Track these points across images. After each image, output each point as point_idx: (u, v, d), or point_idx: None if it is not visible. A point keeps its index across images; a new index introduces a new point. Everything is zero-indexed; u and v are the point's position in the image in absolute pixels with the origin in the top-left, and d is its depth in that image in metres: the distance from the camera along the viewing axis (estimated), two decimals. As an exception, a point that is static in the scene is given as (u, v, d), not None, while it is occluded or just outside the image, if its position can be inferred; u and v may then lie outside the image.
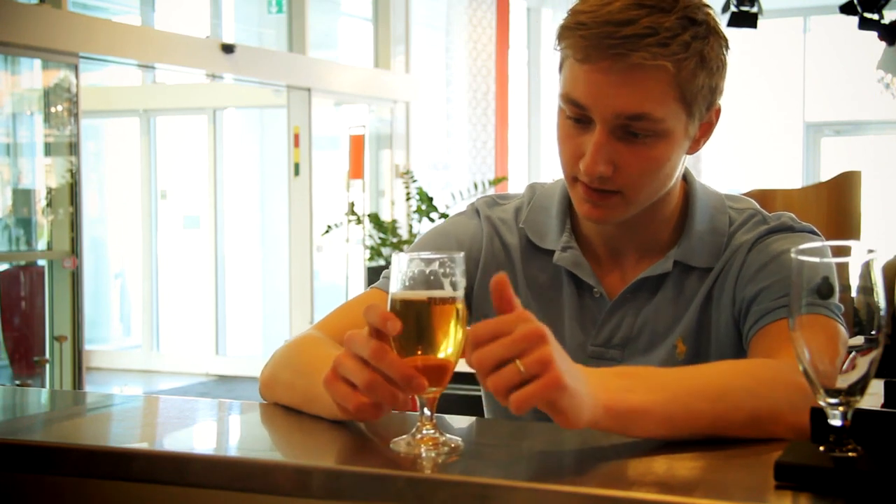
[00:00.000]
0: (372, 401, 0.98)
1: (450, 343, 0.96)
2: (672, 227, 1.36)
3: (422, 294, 0.96)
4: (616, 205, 1.26)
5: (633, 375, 1.04)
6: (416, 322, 0.96)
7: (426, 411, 0.97)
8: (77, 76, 5.81)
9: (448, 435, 0.98)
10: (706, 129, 1.31)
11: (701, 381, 1.04)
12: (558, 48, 1.25)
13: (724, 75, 1.27)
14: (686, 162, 1.42)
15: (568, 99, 1.24)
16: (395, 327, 0.95)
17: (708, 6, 1.25)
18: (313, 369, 1.15)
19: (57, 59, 5.72)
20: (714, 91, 1.26)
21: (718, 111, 1.31)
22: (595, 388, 0.96)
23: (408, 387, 0.95)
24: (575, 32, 1.20)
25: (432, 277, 0.97)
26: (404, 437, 0.98)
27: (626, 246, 1.36)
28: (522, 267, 1.40)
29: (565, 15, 1.24)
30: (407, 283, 0.97)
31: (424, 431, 0.97)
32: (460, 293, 0.97)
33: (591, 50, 1.19)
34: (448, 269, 0.97)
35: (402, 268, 0.98)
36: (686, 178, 1.39)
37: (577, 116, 1.24)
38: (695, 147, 1.31)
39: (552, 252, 1.38)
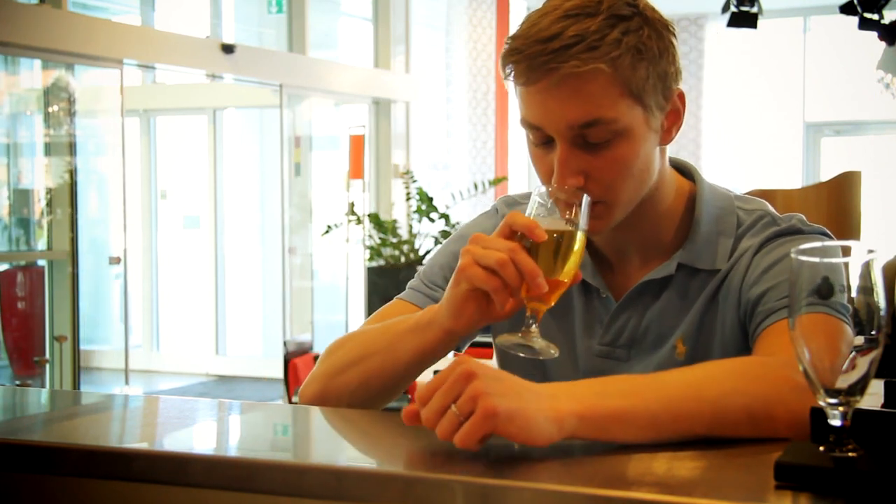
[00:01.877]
0: (501, 285, 1.11)
1: (566, 267, 1.15)
2: (676, 228, 1.36)
3: (552, 223, 1.15)
4: (602, 213, 1.26)
5: (609, 382, 1.04)
6: (543, 245, 1.13)
7: (533, 326, 1.15)
8: (122, 80, 6.01)
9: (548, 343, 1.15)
10: (675, 118, 1.30)
11: (687, 381, 1.04)
12: (506, 78, 1.26)
13: (672, 60, 1.26)
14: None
15: (525, 124, 1.27)
16: (541, 235, 1.12)
17: None
18: (389, 327, 1.30)
19: (98, 63, 5.76)
20: (665, 77, 1.26)
21: (682, 96, 1.30)
22: (561, 401, 0.97)
23: (532, 283, 1.10)
24: (510, 59, 1.23)
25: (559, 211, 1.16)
26: (514, 335, 1.16)
27: (630, 247, 1.37)
28: None
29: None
30: (539, 213, 1.16)
31: (531, 333, 1.15)
32: (583, 225, 1.16)
33: (528, 72, 1.22)
34: (575, 206, 1.15)
35: (535, 200, 1.17)
36: (693, 178, 1.39)
37: (540, 140, 1.26)
38: (667, 137, 1.31)
39: None
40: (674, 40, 1.27)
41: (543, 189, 1.18)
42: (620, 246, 1.37)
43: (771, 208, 1.37)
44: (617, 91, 1.21)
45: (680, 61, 1.29)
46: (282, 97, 7.27)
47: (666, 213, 1.35)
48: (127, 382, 6.36)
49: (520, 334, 1.16)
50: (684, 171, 1.41)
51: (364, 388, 1.29)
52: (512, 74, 1.24)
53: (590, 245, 1.39)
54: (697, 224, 1.34)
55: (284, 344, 5.04)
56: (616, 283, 1.38)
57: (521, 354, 1.17)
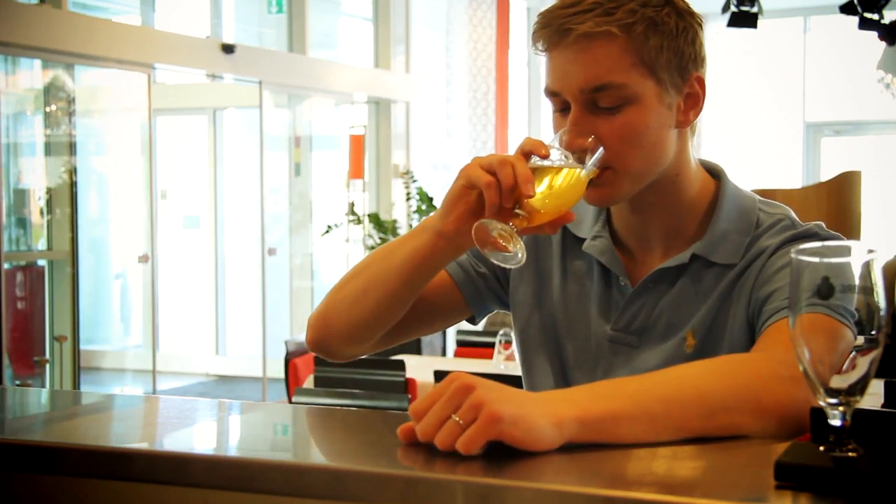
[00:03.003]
0: (494, 182, 1.18)
1: (559, 195, 1.22)
2: (698, 222, 1.38)
3: (560, 158, 1.23)
4: (610, 180, 1.29)
5: (604, 385, 1.06)
6: (544, 170, 1.22)
7: (513, 225, 1.20)
8: (149, 83, 6.27)
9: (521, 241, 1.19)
10: (693, 102, 1.33)
11: (679, 379, 1.05)
12: (535, 52, 1.33)
13: (691, 41, 1.30)
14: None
15: (547, 91, 1.33)
16: (545, 153, 1.21)
17: None
18: (388, 243, 1.38)
19: (98, 63, 5.75)
20: (681, 56, 1.29)
21: (701, 80, 1.33)
22: (560, 406, 0.98)
23: (522, 186, 1.17)
24: (536, 27, 1.31)
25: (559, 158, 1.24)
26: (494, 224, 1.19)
27: (653, 236, 1.39)
28: (561, 253, 1.46)
29: None
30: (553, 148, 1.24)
31: (508, 226, 1.18)
32: (589, 167, 1.24)
33: (549, 36, 1.29)
34: (574, 156, 1.24)
35: (555, 139, 1.25)
36: (720, 177, 1.42)
37: (559, 106, 1.32)
38: (684, 120, 1.33)
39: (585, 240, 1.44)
40: (697, 28, 1.32)
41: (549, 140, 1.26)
42: (643, 234, 1.40)
43: (794, 214, 1.39)
44: (629, 58, 1.26)
45: (703, 49, 1.33)
46: (261, 94, 7.17)
47: (689, 204, 1.38)
48: (154, 384, 6.43)
49: (501, 224, 1.19)
50: (713, 171, 1.44)
51: (363, 297, 1.37)
52: (535, 42, 1.31)
53: (613, 233, 1.42)
54: (717, 218, 1.36)
55: (285, 344, 5.03)
56: (636, 272, 1.40)
57: (493, 259, 1.22)
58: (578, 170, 1.23)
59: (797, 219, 1.37)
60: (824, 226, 1.36)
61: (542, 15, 1.31)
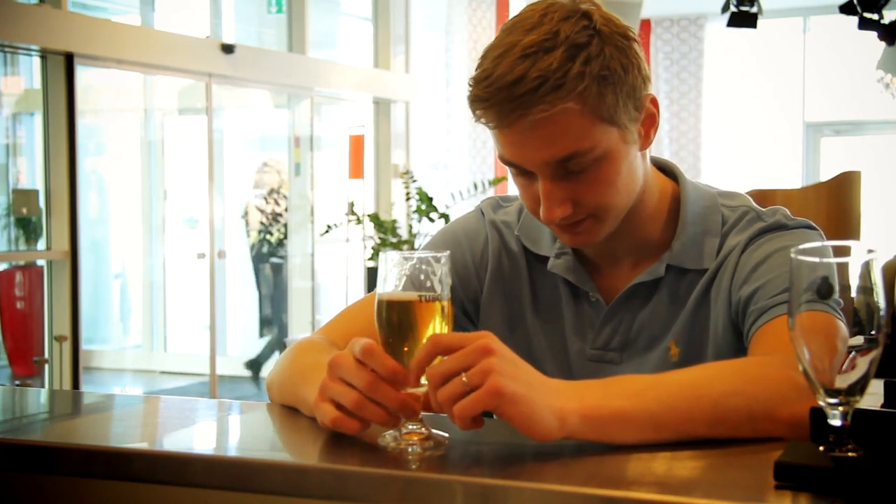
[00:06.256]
0: (360, 425, 1.02)
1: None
2: (663, 228, 1.36)
3: (409, 294, 1.00)
4: (591, 226, 1.27)
5: (614, 383, 1.04)
6: (404, 322, 1.00)
7: (412, 426, 1.01)
8: (208, 87, 6.28)
9: (434, 430, 1.01)
10: (650, 122, 1.29)
11: (689, 382, 1.04)
12: (476, 121, 1.26)
13: (638, 70, 1.24)
14: (686, 163, 1.42)
15: (502, 160, 1.26)
16: (394, 368, 0.98)
17: (587, 12, 1.21)
18: (306, 372, 1.18)
19: (98, 63, 5.73)
20: (634, 91, 1.24)
21: (654, 101, 1.29)
22: (566, 399, 0.97)
23: (404, 412, 0.99)
24: (478, 105, 1.22)
25: (419, 276, 1.00)
26: (391, 432, 1.01)
27: (619, 249, 1.37)
28: (528, 273, 1.43)
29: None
30: (394, 283, 1.00)
31: (411, 427, 1.01)
32: (446, 292, 1.01)
33: (498, 118, 1.20)
34: (433, 268, 1.00)
35: (388, 268, 1.01)
36: (676, 178, 1.39)
37: (519, 171, 1.26)
38: (645, 142, 1.30)
39: (548, 258, 1.40)
40: (636, 48, 1.25)
41: (396, 255, 1.01)
42: (609, 251, 1.37)
43: (753, 203, 1.38)
44: (589, 121, 1.20)
45: (646, 67, 1.27)
46: (209, 90, 7.05)
47: (652, 215, 1.36)
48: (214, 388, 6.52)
49: (398, 430, 1.00)
50: (666, 170, 1.41)
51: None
52: (480, 117, 1.24)
53: (578, 250, 1.39)
54: (683, 224, 1.35)
55: (285, 344, 5.03)
56: (606, 286, 1.38)
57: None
58: (438, 299, 1.00)
59: (758, 206, 1.36)
60: (788, 212, 1.35)
61: (480, 96, 1.20)
